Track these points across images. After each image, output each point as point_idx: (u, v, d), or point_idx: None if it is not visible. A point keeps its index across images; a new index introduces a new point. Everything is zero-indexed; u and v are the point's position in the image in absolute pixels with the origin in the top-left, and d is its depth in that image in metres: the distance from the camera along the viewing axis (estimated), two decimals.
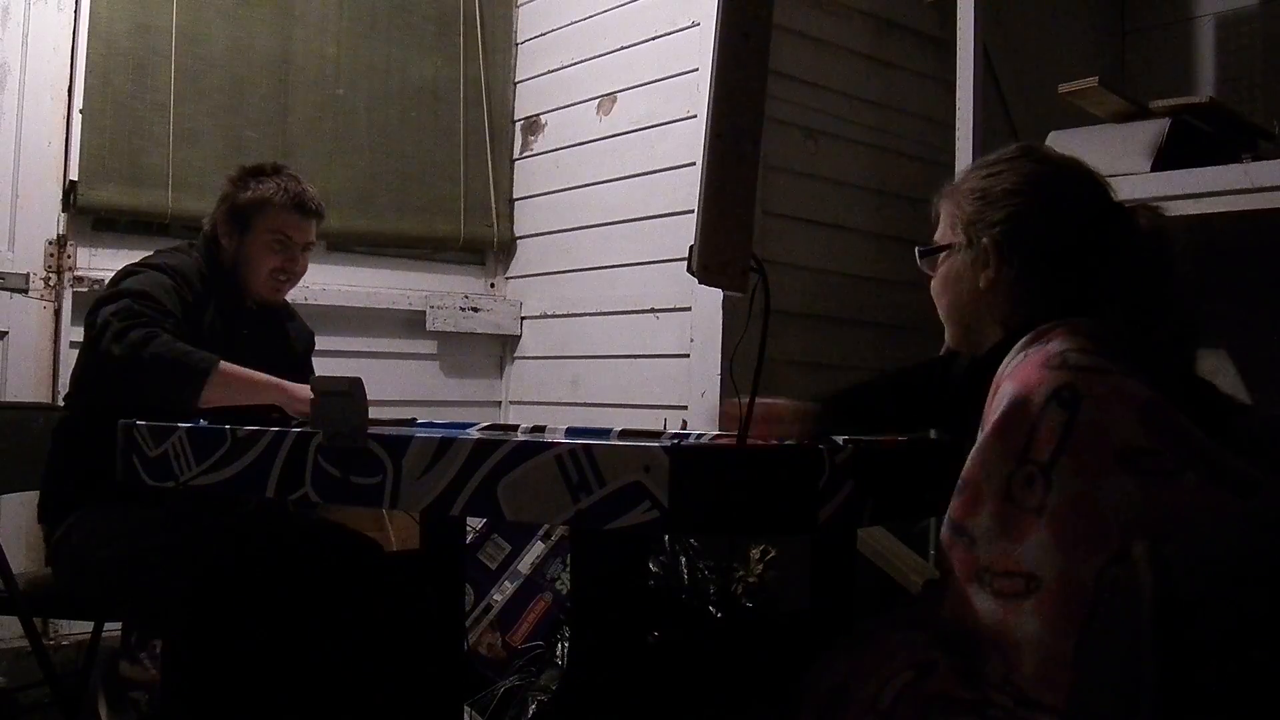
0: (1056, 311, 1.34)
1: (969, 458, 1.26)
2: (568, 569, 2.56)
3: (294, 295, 3.21)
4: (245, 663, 1.98)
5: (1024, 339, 1.30)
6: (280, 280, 2.28)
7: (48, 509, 2.16)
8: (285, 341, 2.41)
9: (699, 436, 1.92)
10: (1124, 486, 1.14)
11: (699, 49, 3.08)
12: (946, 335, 1.49)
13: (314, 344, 2.52)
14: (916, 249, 1.51)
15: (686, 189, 3.02)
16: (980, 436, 1.26)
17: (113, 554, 2.01)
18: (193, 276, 2.19)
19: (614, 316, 3.33)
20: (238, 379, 2.01)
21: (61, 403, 2.29)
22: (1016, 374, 1.25)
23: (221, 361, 1.99)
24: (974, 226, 1.41)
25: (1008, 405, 1.22)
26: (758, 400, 1.50)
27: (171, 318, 2.06)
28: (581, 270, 3.47)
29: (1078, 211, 1.40)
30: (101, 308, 2.03)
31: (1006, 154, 1.46)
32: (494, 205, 3.67)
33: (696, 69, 3.09)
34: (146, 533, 2.01)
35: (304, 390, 2.00)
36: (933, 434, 1.78)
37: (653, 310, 3.20)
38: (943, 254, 1.46)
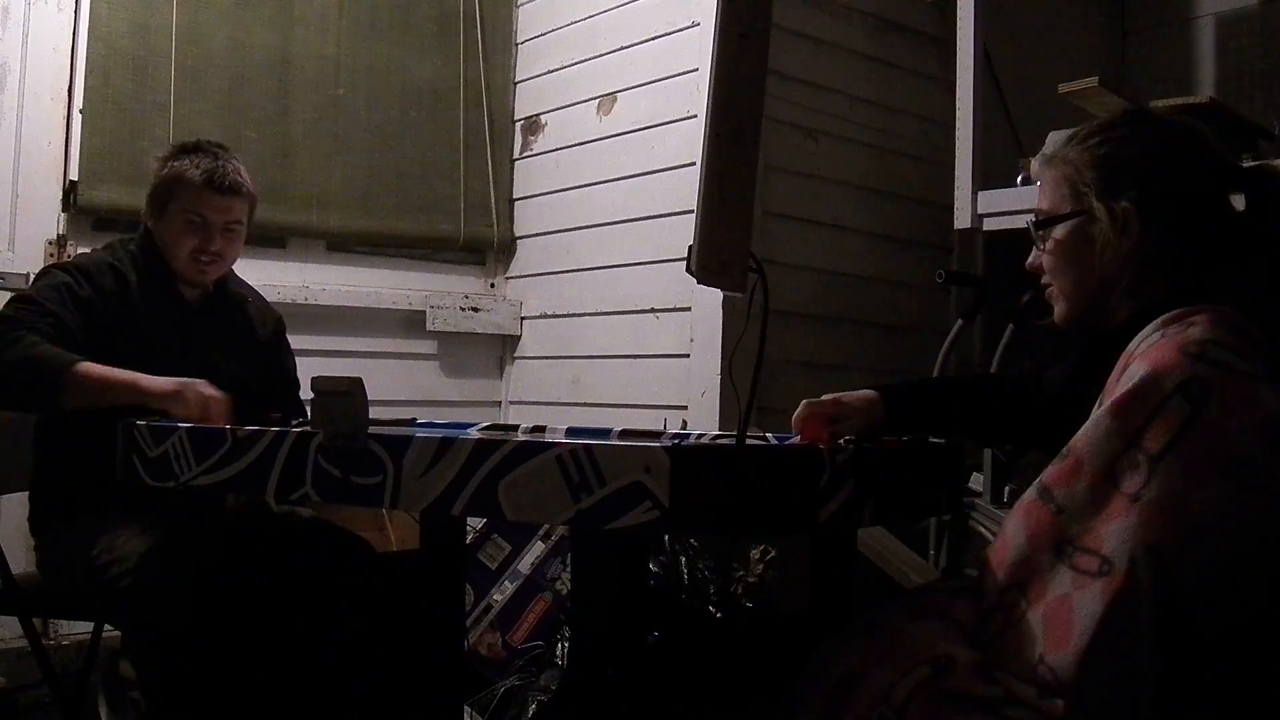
0: (1195, 281, 1.31)
1: (1083, 427, 1.23)
2: (568, 569, 2.56)
3: (294, 295, 3.24)
4: (243, 663, 1.97)
5: (1164, 317, 1.25)
6: (203, 262, 2.16)
7: (36, 519, 2.15)
8: (247, 325, 2.32)
9: (699, 436, 1.92)
10: (1224, 496, 1.12)
11: (699, 49, 3.07)
12: (1059, 310, 1.43)
13: (283, 325, 2.42)
14: (1030, 220, 1.44)
15: (686, 189, 3.01)
16: (1098, 410, 1.23)
17: (99, 559, 2.00)
18: (102, 273, 2.10)
19: (614, 316, 3.33)
20: (93, 379, 1.89)
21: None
22: (1151, 353, 1.21)
23: (79, 363, 1.89)
24: (1107, 192, 1.35)
25: (1136, 384, 1.18)
26: (815, 400, 1.48)
27: (50, 318, 1.98)
28: (581, 270, 3.47)
29: (1213, 172, 1.38)
30: None
31: (1120, 120, 1.42)
32: (494, 205, 3.67)
33: (696, 69, 3.09)
34: (134, 537, 1.99)
35: (160, 384, 1.91)
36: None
37: (653, 310, 3.20)
38: (1067, 223, 1.39)
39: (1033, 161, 1.48)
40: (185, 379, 1.92)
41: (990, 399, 1.60)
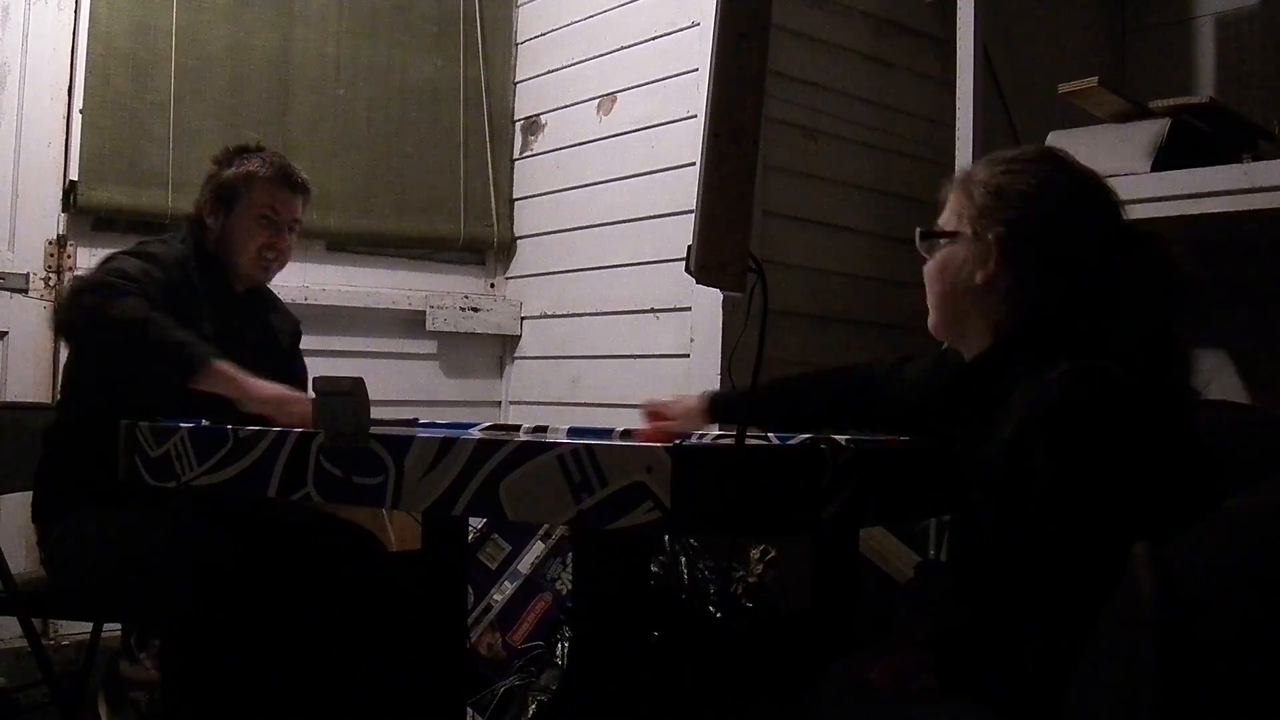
0: (1048, 321, 1.33)
1: None
2: (568, 569, 2.56)
3: (294, 295, 3.23)
4: (246, 662, 1.98)
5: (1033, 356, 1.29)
6: (268, 259, 2.23)
7: (41, 510, 2.15)
8: (271, 330, 2.38)
9: (701, 437, 1.92)
10: None
11: (699, 49, 3.07)
12: (930, 320, 1.47)
13: (300, 334, 2.47)
14: (918, 229, 1.48)
15: (686, 189, 3.01)
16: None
17: (109, 555, 2.00)
18: (172, 265, 2.13)
19: (614, 316, 3.33)
20: (221, 375, 1.92)
21: (56, 405, 2.27)
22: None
23: (217, 359, 1.93)
24: (981, 220, 1.38)
25: None
26: (656, 402, 1.60)
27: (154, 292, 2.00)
28: (581, 270, 3.47)
29: (1089, 225, 1.38)
30: (85, 289, 1.97)
31: (1027, 154, 1.44)
32: (494, 205, 3.67)
33: (696, 69, 3.09)
34: (143, 532, 2.00)
35: (264, 390, 1.93)
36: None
37: (653, 310, 3.20)
38: (944, 240, 1.43)
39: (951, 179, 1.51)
40: (285, 390, 1.95)
41: (850, 386, 1.72)
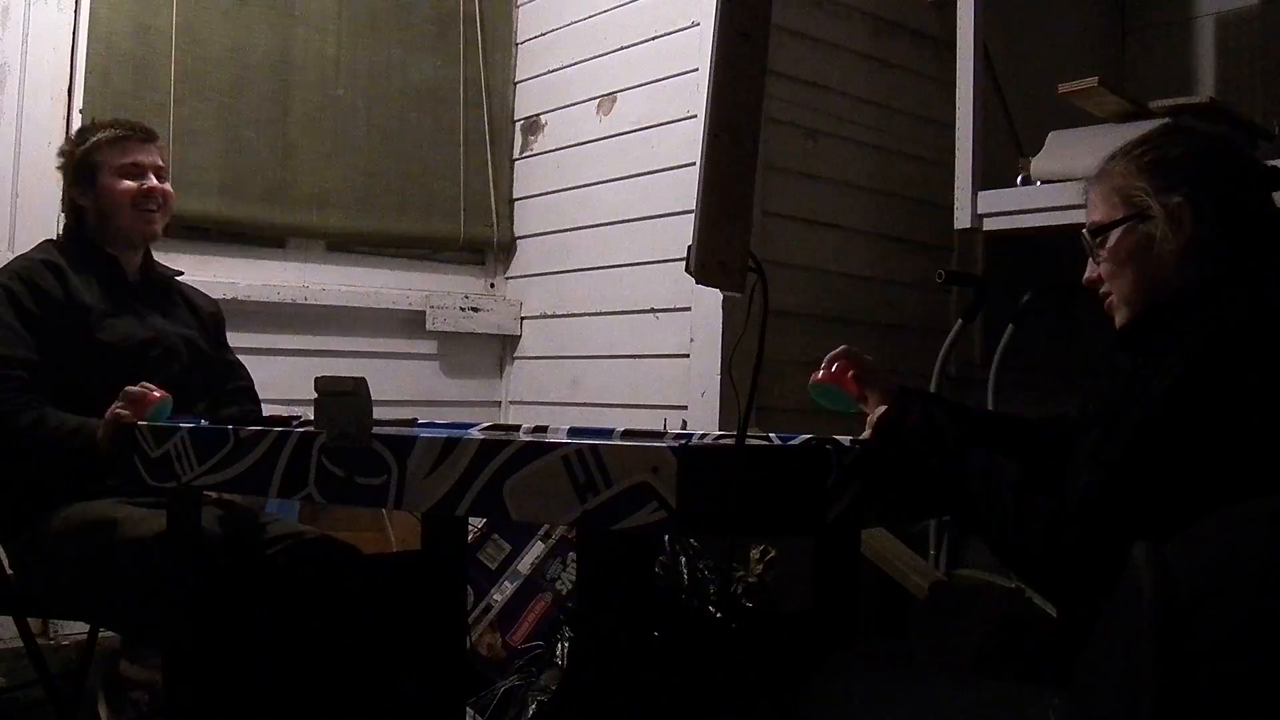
0: (1239, 266, 1.36)
1: None
2: (568, 569, 2.57)
3: (294, 295, 3.24)
4: (245, 664, 1.97)
5: None
6: (148, 209, 2.23)
7: (4, 520, 2.12)
8: (184, 297, 2.39)
9: (702, 436, 1.93)
10: None
11: (699, 49, 3.08)
12: (1121, 316, 1.45)
13: (222, 315, 2.47)
14: (1085, 230, 1.47)
15: (686, 189, 3.01)
16: None
17: (111, 550, 1.99)
18: (39, 273, 2.12)
19: (614, 316, 3.33)
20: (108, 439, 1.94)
21: None
22: None
23: (98, 430, 1.94)
24: (1160, 193, 1.39)
25: None
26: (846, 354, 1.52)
27: (16, 367, 2.01)
28: (581, 270, 3.47)
29: (1253, 170, 1.44)
30: None
31: (1160, 131, 1.48)
32: (494, 205, 3.67)
33: (696, 69, 3.09)
34: (121, 537, 1.97)
35: (104, 430, 1.93)
36: None
37: (653, 310, 3.20)
38: (1121, 228, 1.42)
39: (1084, 185, 1.52)
40: (113, 408, 1.94)
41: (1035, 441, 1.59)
